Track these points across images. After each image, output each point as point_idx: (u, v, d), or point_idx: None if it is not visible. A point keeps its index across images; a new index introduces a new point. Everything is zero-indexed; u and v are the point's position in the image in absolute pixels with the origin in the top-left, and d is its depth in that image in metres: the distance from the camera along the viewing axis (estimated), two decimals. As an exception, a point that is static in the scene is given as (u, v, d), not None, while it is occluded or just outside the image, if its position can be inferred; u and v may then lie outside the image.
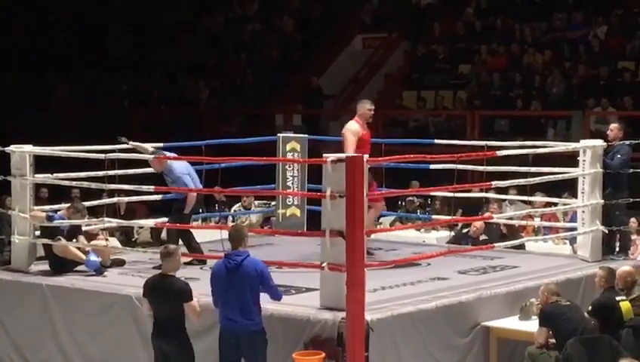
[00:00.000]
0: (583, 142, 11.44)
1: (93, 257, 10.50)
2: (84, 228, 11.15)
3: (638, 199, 11.41)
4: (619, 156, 11.37)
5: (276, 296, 8.54)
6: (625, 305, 9.33)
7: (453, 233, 13.91)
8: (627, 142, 11.52)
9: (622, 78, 18.86)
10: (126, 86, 24.66)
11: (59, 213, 10.87)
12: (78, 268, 10.66)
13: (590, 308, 9.33)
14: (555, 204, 12.40)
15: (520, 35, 20.77)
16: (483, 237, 13.49)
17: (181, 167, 10.85)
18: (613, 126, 11.76)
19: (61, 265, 10.62)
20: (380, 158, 10.05)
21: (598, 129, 16.57)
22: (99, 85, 24.60)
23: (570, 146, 11.58)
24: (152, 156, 10.84)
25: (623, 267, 10.15)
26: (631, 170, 11.40)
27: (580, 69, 19.20)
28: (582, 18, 20.44)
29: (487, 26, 21.54)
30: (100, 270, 10.49)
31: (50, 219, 10.72)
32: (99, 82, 24.57)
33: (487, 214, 13.14)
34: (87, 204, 11.65)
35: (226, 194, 14.60)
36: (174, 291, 8.39)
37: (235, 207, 15.09)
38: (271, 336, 8.48)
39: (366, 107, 11.42)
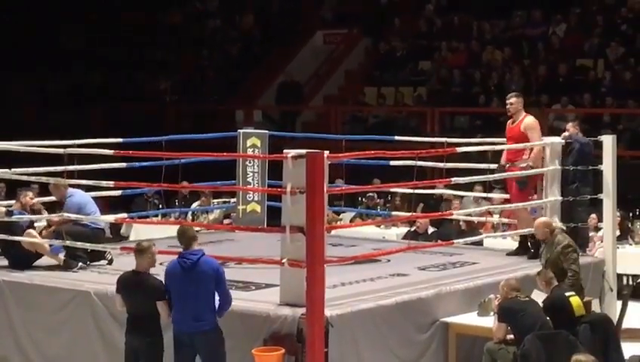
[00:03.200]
0: (543, 139, 11.52)
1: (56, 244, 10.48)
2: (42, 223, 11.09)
3: (595, 196, 11.51)
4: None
5: (226, 300, 8.32)
6: (575, 301, 9.42)
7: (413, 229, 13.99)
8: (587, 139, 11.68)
9: (580, 76, 19.02)
10: (86, 82, 24.52)
11: (13, 207, 10.80)
12: (38, 263, 10.60)
13: (541, 306, 9.39)
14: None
15: (479, 32, 20.88)
16: (431, 230, 13.59)
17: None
18: (569, 125, 11.88)
19: (21, 260, 10.53)
20: (339, 155, 10.06)
21: (557, 126, 16.70)
22: (57, 82, 24.42)
23: (529, 144, 11.64)
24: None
25: (538, 219, 10.48)
26: (590, 167, 11.52)
27: (539, 67, 19.33)
28: (541, 16, 20.59)
29: (447, 23, 21.64)
30: (72, 264, 10.45)
31: (9, 214, 10.65)
32: (57, 79, 24.40)
33: (448, 211, 13.20)
34: (45, 199, 11.59)
35: (187, 190, 14.57)
36: (148, 289, 8.35)
37: (194, 205, 15.04)
38: (230, 332, 8.47)
39: None
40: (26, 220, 10.70)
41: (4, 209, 10.74)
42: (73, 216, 10.59)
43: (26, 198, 10.82)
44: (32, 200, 10.90)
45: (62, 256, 10.56)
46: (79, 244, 10.43)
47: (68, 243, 10.41)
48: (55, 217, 10.89)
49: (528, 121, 11.34)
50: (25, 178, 11.12)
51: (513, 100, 11.45)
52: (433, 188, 12.95)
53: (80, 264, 10.51)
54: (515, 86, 18.63)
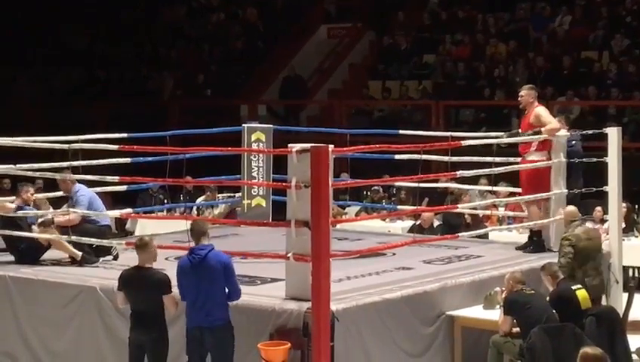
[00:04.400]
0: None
1: None
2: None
3: (600, 188, 11.50)
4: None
5: (235, 293, 8.33)
6: (581, 294, 9.40)
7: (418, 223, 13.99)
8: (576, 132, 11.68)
9: (585, 68, 18.99)
10: (89, 79, 24.53)
11: (15, 203, 10.80)
12: (44, 257, 10.61)
13: (547, 299, 9.39)
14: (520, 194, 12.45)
15: (484, 25, 20.85)
16: (436, 223, 13.56)
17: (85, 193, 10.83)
18: (557, 119, 11.89)
19: (29, 253, 10.55)
20: (344, 149, 10.05)
21: (562, 119, 16.65)
22: (60, 79, 24.43)
23: (534, 136, 11.61)
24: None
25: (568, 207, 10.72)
26: (595, 160, 11.51)
27: (544, 59, 19.29)
28: (545, 8, 20.55)
29: (451, 16, 21.62)
30: (91, 259, 10.48)
31: (18, 209, 10.67)
32: (60, 76, 24.41)
33: (453, 205, 13.19)
34: (50, 195, 11.60)
35: (192, 185, 14.56)
36: (154, 283, 8.34)
37: (199, 200, 15.02)
38: (236, 327, 8.46)
39: None
40: (33, 215, 10.72)
41: (13, 205, 10.75)
42: (80, 212, 10.59)
43: (27, 194, 10.83)
44: (32, 195, 10.91)
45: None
46: (85, 240, 10.44)
47: (73, 238, 10.42)
48: (60, 212, 10.90)
49: (536, 111, 11.29)
50: (30, 173, 11.12)
51: (523, 93, 11.42)
52: (438, 181, 12.93)
53: (101, 259, 10.55)
54: (519, 79, 18.63)
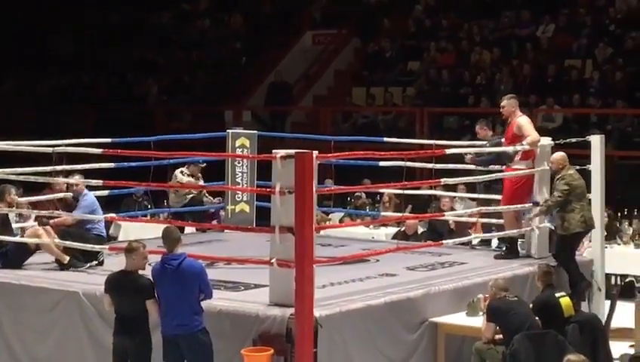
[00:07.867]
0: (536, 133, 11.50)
1: None
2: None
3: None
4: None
5: (209, 295, 8.40)
6: (565, 302, 9.44)
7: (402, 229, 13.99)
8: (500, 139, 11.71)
9: (569, 76, 19.07)
10: (75, 83, 24.47)
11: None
12: (29, 261, 10.57)
13: (531, 306, 9.41)
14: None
15: (468, 32, 20.91)
16: (421, 230, 13.58)
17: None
18: (477, 127, 11.95)
19: (14, 257, 10.51)
20: (328, 155, 10.06)
21: (546, 126, 16.74)
22: (47, 83, 24.37)
23: (518, 146, 11.63)
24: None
25: (558, 153, 11.03)
26: (578, 167, 11.55)
27: (528, 67, 19.36)
28: (529, 16, 20.63)
29: (435, 24, 21.68)
30: (78, 264, 10.44)
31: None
32: (47, 80, 24.35)
33: (439, 213, 13.19)
34: (33, 198, 11.57)
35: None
36: (138, 288, 8.34)
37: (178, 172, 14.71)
38: (219, 332, 8.47)
39: None
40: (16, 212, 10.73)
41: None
42: (66, 216, 10.57)
43: (11, 196, 10.79)
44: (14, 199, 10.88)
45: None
46: (67, 243, 10.40)
47: (57, 241, 10.39)
48: (46, 213, 10.88)
49: (519, 122, 11.29)
50: (13, 177, 11.08)
51: (504, 103, 11.38)
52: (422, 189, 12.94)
53: (89, 264, 10.52)
54: (503, 86, 18.67)
